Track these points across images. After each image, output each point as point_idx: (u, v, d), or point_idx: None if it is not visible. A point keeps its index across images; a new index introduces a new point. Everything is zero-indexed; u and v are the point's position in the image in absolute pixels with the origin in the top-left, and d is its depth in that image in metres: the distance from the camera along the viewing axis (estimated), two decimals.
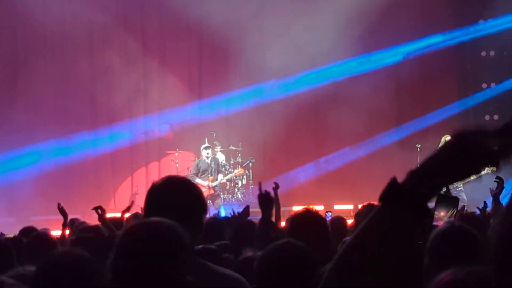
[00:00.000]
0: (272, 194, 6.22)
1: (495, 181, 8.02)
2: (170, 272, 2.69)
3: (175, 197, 3.43)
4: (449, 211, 4.49)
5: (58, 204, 8.49)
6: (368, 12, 19.39)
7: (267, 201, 5.97)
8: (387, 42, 20.27)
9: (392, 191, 1.68)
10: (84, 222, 9.10)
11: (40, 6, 18.93)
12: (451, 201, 4.55)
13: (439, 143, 16.83)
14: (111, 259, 2.76)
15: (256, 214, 10.59)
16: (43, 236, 5.99)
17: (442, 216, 4.51)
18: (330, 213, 9.57)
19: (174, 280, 2.70)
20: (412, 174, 1.70)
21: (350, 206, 18.26)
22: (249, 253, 4.94)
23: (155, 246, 2.71)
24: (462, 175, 1.71)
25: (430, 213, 1.67)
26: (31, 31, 19.21)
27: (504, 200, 7.12)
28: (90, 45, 19.33)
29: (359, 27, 19.42)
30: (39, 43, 19.50)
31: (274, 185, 8.16)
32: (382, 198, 1.69)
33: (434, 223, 4.49)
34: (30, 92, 18.81)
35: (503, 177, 7.98)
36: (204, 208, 3.51)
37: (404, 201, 1.66)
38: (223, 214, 14.26)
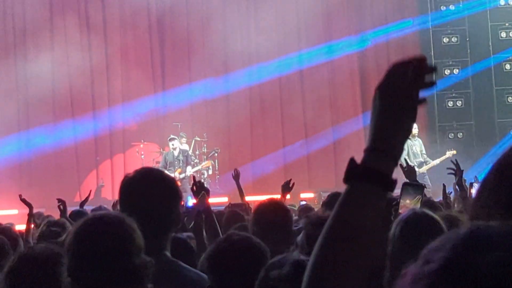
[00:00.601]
0: None
1: (449, 169, 7.88)
2: (122, 265, 2.66)
3: (149, 188, 3.40)
4: (414, 198, 4.49)
5: (20, 196, 8.39)
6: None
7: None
8: (352, 29, 20.31)
9: (355, 170, 1.70)
10: (49, 216, 9.01)
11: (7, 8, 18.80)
12: (417, 189, 4.55)
13: None
14: (67, 261, 2.74)
15: (221, 204, 10.60)
16: (6, 230, 5.92)
17: (407, 204, 4.51)
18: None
19: (127, 272, 2.67)
20: (368, 151, 1.73)
21: (312, 195, 18.28)
22: None
23: (102, 242, 2.68)
24: (404, 124, 1.75)
25: (395, 184, 1.70)
26: None
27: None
28: (51, 36, 19.15)
29: (323, 14, 19.46)
30: (1, 38, 19.31)
31: (233, 172, 8.32)
32: (347, 179, 1.70)
33: (400, 210, 4.49)
34: None
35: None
36: (179, 197, 3.49)
37: (370, 178, 1.68)
38: (190, 204, 14.20)
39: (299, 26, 19.46)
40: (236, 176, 8.75)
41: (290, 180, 8.08)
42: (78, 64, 19.10)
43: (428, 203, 5.64)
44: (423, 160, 16.70)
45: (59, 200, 7.98)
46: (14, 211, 16.16)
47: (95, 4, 19.50)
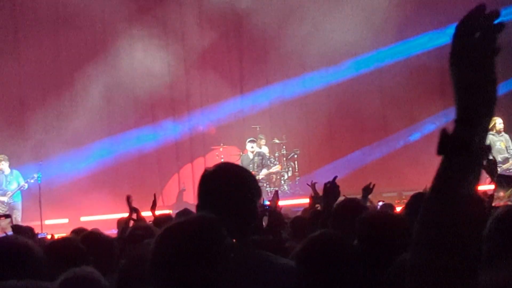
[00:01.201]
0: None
1: None
2: (207, 273, 2.66)
3: (228, 183, 3.37)
4: (508, 190, 4.42)
5: (128, 197, 8.23)
6: None
7: (332, 192, 5.96)
8: (428, 26, 20.02)
9: (446, 142, 1.75)
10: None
11: (79, 12, 19.15)
12: (509, 181, 4.48)
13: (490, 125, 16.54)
14: (148, 266, 2.73)
15: (302, 205, 10.59)
16: (98, 234, 5.98)
17: (501, 196, 4.44)
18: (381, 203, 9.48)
19: (212, 280, 2.67)
20: (456, 122, 1.77)
21: (394, 194, 18.12)
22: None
23: (187, 250, 2.65)
24: (484, 86, 1.75)
25: (488, 152, 1.75)
26: (73, 36, 19.38)
27: None
28: (131, 45, 19.40)
29: (399, 12, 19.25)
30: (81, 46, 19.63)
31: (310, 183, 8.32)
32: (440, 151, 1.76)
33: (494, 203, 4.44)
34: (75, 95, 18.98)
35: None
36: (258, 193, 3.44)
37: (461, 148, 1.73)
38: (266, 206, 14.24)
39: (376, 23, 19.27)
40: (313, 186, 8.69)
41: (371, 183, 8.20)
42: (157, 69, 19.30)
43: None
44: (508, 156, 16.31)
45: (131, 207, 7.93)
46: (100, 217, 16.50)
47: (173, 8, 19.67)
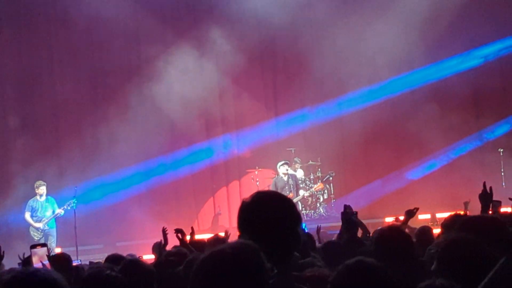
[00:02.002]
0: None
1: None
2: None
3: (266, 212, 3.34)
4: None
5: (164, 229, 8.40)
6: (441, 17, 19.16)
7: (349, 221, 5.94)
8: (462, 47, 19.92)
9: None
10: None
11: (114, 36, 19.30)
12: None
13: None
14: None
15: (338, 228, 10.53)
16: (137, 263, 5.95)
17: None
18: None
19: None
20: None
21: (428, 216, 18.01)
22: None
23: (229, 279, 2.68)
24: None
25: None
26: (108, 60, 19.54)
27: None
28: (166, 70, 19.47)
29: (433, 33, 19.20)
30: (116, 71, 19.75)
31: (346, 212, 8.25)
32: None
33: None
34: (110, 118, 19.07)
35: None
36: (297, 219, 3.41)
37: None
38: (305, 229, 14.21)
39: (409, 45, 19.21)
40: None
41: (415, 207, 8.63)
42: (191, 93, 19.34)
43: None
44: None
45: (177, 230, 8.06)
46: (137, 241, 16.51)
47: (207, 32, 19.71)
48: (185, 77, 19.33)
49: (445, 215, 15.60)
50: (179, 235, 7.99)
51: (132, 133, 19.30)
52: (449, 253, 3.57)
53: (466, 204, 10.09)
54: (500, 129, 19.74)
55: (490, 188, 6.55)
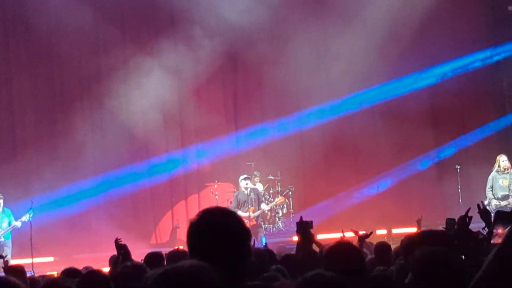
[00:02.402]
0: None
1: None
2: None
3: (214, 231, 3.33)
4: (507, 227, 4.38)
5: (117, 241, 8.13)
6: (400, 35, 19.37)
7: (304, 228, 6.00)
8: (421, 65, 20.15)
9: None
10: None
11: (74, 47, 19.20)
12: (509, 217, 4.45)
13: (495, 163, 16.69)
14: None
15: (295, 243, 10.53)
16: (96, 274, 5.90)
17: (500, 234, 4.42)
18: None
19: None
20: None
21: (384, 232, 18.18)
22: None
23: None
24: None
25: None
26: (67, 71, 19.42)
27: None
28: (126, 81, 19.38)
29: (392, 50, 19.39)
30: (74, 81, 19.64)
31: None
32: None
33: (492, 241, 4.42)
34: (69, 130, 18.92)
35: None
36: (246, 235, 3.41)
37: None
38: (264, 243, 14.24)
39: (369, 62, 19.40)
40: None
41: (370, 232, 8.98)
42: (151, 105, 19.28)
43: None
44: (508, 193, 16.46)
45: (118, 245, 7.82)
46: (94, 254, 16.38)
47: (168, 45, 19.68)
48: (145, 89, 19.26)
49: (402, 230, 15.78)
50: (121, 250, 7.77)
51: (90, 144, 19.18)
52: (425, 265, 3.64)
53: (418, 222, 10.04)
54: (449, 150, 20.01)
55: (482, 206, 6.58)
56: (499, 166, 16.44)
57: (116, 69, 19.28)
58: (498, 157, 16.52)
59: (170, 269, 2.77)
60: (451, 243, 4.50)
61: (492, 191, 16.31)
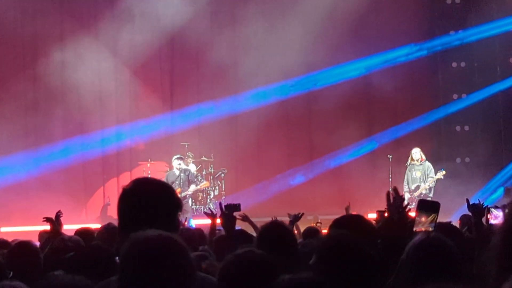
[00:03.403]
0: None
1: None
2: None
3: (148, 198, 3.38)
4: (430, 216, 4.49)
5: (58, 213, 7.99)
6: (338, 23, 19.49)
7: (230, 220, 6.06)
8: (357, 53, 20.32)
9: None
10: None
11: (9, 15, 18.90)
12: (432, 206, 4.55)
13: (409, 155, 17.31)
14: (118, 280, 2.76)
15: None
16: (26, 245, 5.86)
17: (423, 222, 4.51)
18: None
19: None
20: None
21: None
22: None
23: (162, 261, 2.70)
24: None
25: None
26: (1, 43, 19.14)
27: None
28: (62, 54, 19.16)
29: (329, 38, 19.50)
30: (9, 55, 19.37)
31: (241, 217, 8.53)
32: None
33: (415, 228, 4.52)
34: (1, 103, 18.65)
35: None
36: (178, 205, 3.47)
37: None
38: (192, 225, 14.36)
39: (307, 49, 19.50)
40: (245, 218, 9.00)
41: (299, 213, 9.07)
42: (87, 81, 19.13)
43: (447, 226, 5.58)
44: (419, 184, 17.18)
45: (48, 219, 7.77)
46: (23, 228, 16.22)
47: (106, 23, 19.49)
48: (82, 65, 19.07)
49: (331, 217, 15.97)
50: (50, 223, 7.74)
51: (22, 119, 18.93)
52: (328, 248, 3.69)
53: (347, 209, 10.12)
54: (370, 145, 20.35)
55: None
56: (412, 159, 17.44)
57: (53, 44, 19.04)
58: (411, 151, 17.53)
59: (140, 240, 2.77)
60: (372, 230, 4.58)
61: (408, 184, 17.10)
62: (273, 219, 7.80)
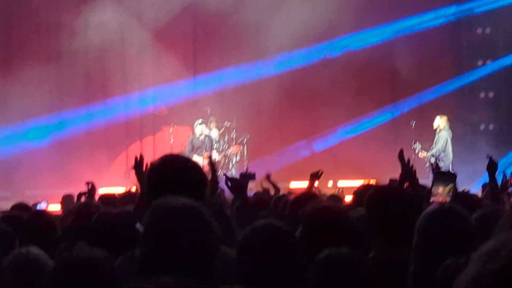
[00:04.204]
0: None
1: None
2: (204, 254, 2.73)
3: (175, 174, 3.43)
4: (447, 186, 4.48)
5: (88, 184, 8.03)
6: None
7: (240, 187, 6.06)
8: (382, 19, 20.17)
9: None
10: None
11: None
12: (448, 177, 4.54)
13: (433, 121, 17.18)
14: (141, 249, 2.78)
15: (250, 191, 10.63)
16: (42, 214, 5.96)
17: (440, 192, 4.50)
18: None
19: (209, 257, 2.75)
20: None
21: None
22: None
23: (186, 230, 2.72)
24: None
25: None
26: (26, 8, 19.16)
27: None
28: (85, 20, 19.16)
29: (353, 3, 19.34)
30: (33, 20, 19.41)
31: (265, 176, 8.53)
32: None
33: (432, 199, 4.51)
34: (24, 68, 18.71)
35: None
36: (205, 182, 3.52)
37: None
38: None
39: (330, 15, 19.34)
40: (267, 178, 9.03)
41: (320, 170, 8.59)
42: (110, 47, 19.15)
43: (465, 196, 5.46)
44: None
45: (89, 183, 7.96)
46: (48, 191, 16.34)
47: None
48: (104, 30, 19.05)
49: (352, 184, 15.95)
50: (91, 188, 7.90)
51: (46, 84, 19.01)
52: (312, 219, 3.70)
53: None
54: (384, 116, 20.22)
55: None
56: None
57: (74, 10, 19.04)
58: (437, 117, 17.51)
59: (164, 207, 2.82)
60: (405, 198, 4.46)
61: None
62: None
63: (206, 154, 16.92)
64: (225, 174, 6.87)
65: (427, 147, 17.24)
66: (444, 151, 17.01)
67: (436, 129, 17.31)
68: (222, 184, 6.38)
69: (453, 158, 17.23)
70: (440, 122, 17.30)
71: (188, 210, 2.76)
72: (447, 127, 17.36)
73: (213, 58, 20.17)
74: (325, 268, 3.19)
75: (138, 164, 5.18)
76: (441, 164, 16.22)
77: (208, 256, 2.73)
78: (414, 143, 16.94)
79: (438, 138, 17.24)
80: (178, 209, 2.75)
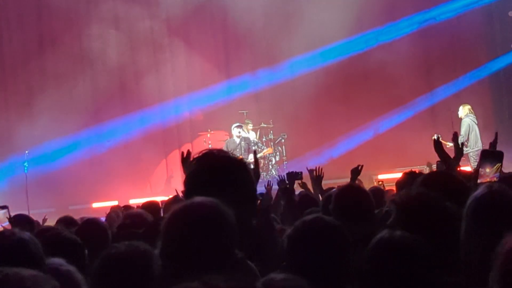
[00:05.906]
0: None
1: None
2: (219, 252, 2.74)
3: (222, 173, 3.40)
4: (494, 166, 4.41)
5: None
6: None
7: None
8: (413, 8, 20.07)
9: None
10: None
11: (67, 3, 19.10)
12: (496, 156, 4.46)
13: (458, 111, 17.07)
14: (160, 247, 2.82)
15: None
16: (94, 222, 5.94)
17: (487, 172, 4.43)
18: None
19: (224, 258, 2.75)
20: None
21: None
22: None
23: (200, 229, 2.76)
24: None
25: None
26: (57, 14, 19.34)
27: None
28: (117, 30, 19.31)
29: None
30: (66, 28, 19.58)
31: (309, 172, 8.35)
32: None
33: (479, 179, 4.43)
34: (61, 80, 18.90)
35: None
36: (251, 177, 3.48)
37: None
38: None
39: (361, 7, 19.27)
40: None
41: (359, 165, 8.18)
42: (143, 55, 19.26)
43: (510, 177, 5.35)
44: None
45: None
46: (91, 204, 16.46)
47: None
48: (136, 38, 19.20)
49: (393, 176, 15.86)
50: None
51: (82, 96, 19.18)
52: (410, 206, 3.61)
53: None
54: (449, 90, 20.03)
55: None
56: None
57: (106, 20, 19.19)
58: (461, 107, 17.46)
59: (183, 207, 2.87)
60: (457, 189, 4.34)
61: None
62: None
63: (240, 157, 16.83)
64: (279, 175, 6.80)
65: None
66: (464, 136, 16.99)
67: (460, 118, 17.33)
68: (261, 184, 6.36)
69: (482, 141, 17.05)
70: (462, 111, 17.33)
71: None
72: (470, 114, 17.29)
73: (245, 60, 20.18)
74: (378, 251, 3.15)
75: (185, 158, 5.18)
76: (466, 150, 16.29)
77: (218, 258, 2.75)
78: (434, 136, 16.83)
79: (461, 125, 17.26)
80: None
